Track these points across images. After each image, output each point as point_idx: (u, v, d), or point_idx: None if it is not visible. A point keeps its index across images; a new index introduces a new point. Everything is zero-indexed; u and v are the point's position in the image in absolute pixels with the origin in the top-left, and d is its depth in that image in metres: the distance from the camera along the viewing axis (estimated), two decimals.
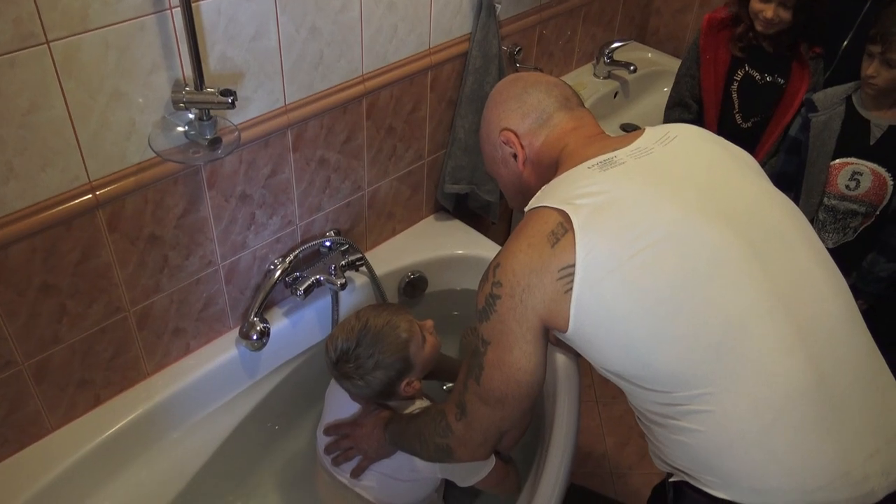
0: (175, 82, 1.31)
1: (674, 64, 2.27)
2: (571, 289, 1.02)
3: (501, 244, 2.08)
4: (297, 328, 1.79)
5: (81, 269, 1.36)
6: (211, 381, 1.66)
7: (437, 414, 1.28)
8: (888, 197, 1.80)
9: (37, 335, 1.36)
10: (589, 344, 1.07)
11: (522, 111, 1.23)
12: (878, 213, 1.82)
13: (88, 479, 1.51)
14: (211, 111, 1.31)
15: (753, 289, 1.02)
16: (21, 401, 1.41)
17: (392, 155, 1.86)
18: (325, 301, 1.82)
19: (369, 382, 1.45)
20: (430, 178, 2.03)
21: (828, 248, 1.15)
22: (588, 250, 1.01)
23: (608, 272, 1.01)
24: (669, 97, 2.20)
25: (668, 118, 2.19)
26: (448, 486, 1.66)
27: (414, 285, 1.99)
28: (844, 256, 1.60)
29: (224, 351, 1.68)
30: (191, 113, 1.33)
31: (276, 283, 1.69)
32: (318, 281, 1.73)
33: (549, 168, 1.20)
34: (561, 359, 1.63)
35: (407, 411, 1.51)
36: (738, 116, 2.08)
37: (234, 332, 1.72)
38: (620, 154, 1.11)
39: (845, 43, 1.92)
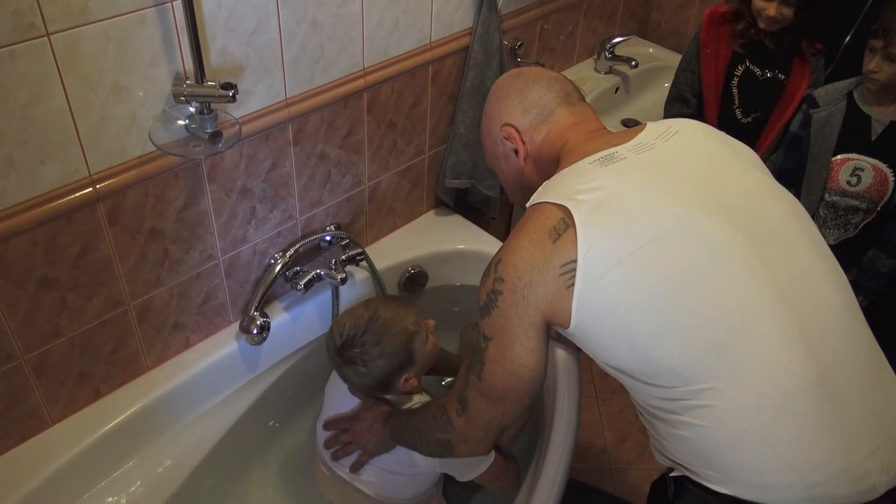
0: (176, 75, 1.30)
1: (675, 59, 2.27)
2: (573, 284, 1.02)
3: (502, 239, 2.08)
4: (297, 323, 1.79)
5: (81, 262, 1.36)
6: (211, 376, 1.66)
7: (438, 409, 1.28)
8: (889, 192, 1.79)
9: (37, 329, 1.36)
10: (591, 339, 1.07)
11: (524, 106, 1.23)
12: (879, 208, 1.82)
13: (88, 473, 1.51)
14: (212, 105, 1.31)
15: (755, 284, 1.02)
16: (21, 394, 1.41)
17: (393, 149, 1.86)
18: (325, 296, 1.82)
19: (371, 370, 1.45)
20: (431, 172, 2.03)
21: (829, 245, 1.15)
22: (590, 246, 1.01)
23: (610, 268, 1.01)
24: (669, 92, 2.20)
25: (668, 113, 2.19)
26: (447, 480, 1.66)
27: (414, 280, 1.99)
28: (845, 252, 1.60)
29: (224, 345, 1.68)
30: (191, 106, 1.32)
31: (276, 277, 1.69)
32: (318, 275, 1.73)
33: (550, 163, 1.20)
34: (561, 354, 1.63)
35: (405, 406, 1.51)
36: (737, 112, 2.08)
37: (235, 327, 1.72)
38: (622, 150, 1.11)
39: (847, 39, 1.92)
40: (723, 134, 1.21)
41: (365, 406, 1.55)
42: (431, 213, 2.12)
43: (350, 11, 1.53)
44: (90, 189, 1.29)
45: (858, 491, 1.01)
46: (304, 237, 1.75)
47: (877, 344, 1.10)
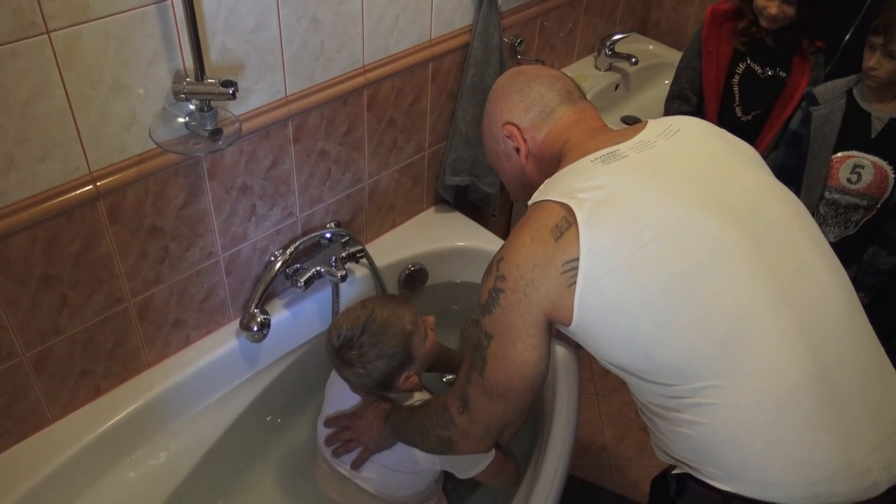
0: (176, 73, 1.30)
1: (675, 56, 2.26)
2: (575, 283, 1.02)
3: (502, 236, 2.09)
4: (297, 320, 1.79)
5: (82, 259, 1.36)
6: (211, 373, 1.66)
7: (440, 406, 1.28)
8: (889, 190, 1.79)
9: (37, 326, 1.36)
10: (592, 337, 1.07)
11: (525, 105, 1.23)
12: (879, 206, 1.82)
13: (89, 470, 1.52)
14: (212, 102, 1.31)
15: (756, 282, 1.02)
16: (22, 392, 1.41)
17: (393, 147, 1.85)
18: (325, 293, 1.82)
19: (370, 371, 1.45)
20: (431, 169, 2.03)
21: (829, 242, 1.15)
22: (592, 244, 1.01)
23: (612, 266, 1.01)
24: (670, 89, 2.20)
25: (668, 110, 2.19)
26: (448, 477, 1.66)
27: (414, 277, 1.99)
28: (846, 250, 1.60)
29: (224, 342, 1.68)
30: (191, 104, 1.32)
31: (276, 274, 1.69)
32: (318, 273, 1.73)
33: (551, 161, 1.20)
34: (561, 351, 1.63)
35: (406, 404, 1.52)
36: (738, 109, 2.08)
37: (235, 324, 1.72)
38: (623, 147, 1.11)
39: (847, 37, 1.92)
40: (724, 132, 1.21)
41: (366, 403, 1.55)
42: (431, 210, 2.12)
43: (350, 9, 1.53)
44: (90, 187, 1.29)
45: (860, 488, 1.01)
46: (304, 234, 1.76)
47: (878, 341, 1.10)
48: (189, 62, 1.29)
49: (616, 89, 2.56)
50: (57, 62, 1.15)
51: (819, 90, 1.84)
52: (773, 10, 1.86)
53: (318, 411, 1.66)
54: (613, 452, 2.28)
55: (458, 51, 1.85)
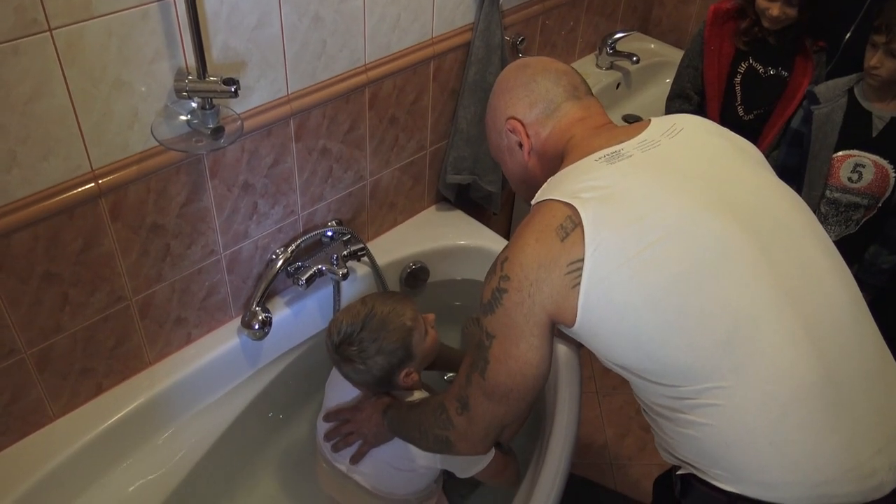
0: (178, 71, 1.30)
1: (676, 55, 2.26)
2: (579, 284, 1.02)
3: (503, 235, 2.09)
4: (298, 318, 1.79)
5: (84, 257, 1.36)
6: (212, 371, 1.66)
7: (438, 406, 1.27)
8: (890, 189, 1.79)
9: (39, 324, 1.36)
10: (596, 338, 1.06)
11: (530, 100, 1.22)
12: (880, 205, 1.82)
13: (90, 468, 1.52)
14: (214, 100, 1.31)
15: (761, 282, 1.01)
16: (23, 389, 1.41)
17: (394, 145, 1.85)
18: (326, 291, 1.82)
19: (370, 367, 1.45)
20: (432, 168, 2.03)
21: None
22: (597, 245, 1.00)
23: (616, 267, 1.00)
24: (671, 88, 2.19)
25: (669, 109, 2.19)
26: (448, 476, 1.66)
27: (415, 275, 1.99)
28: (847, 248, 1.59)
29: (226, 340, 1.68)
30: (193, 102, 1.32)
31: (277, 272, 1.69)
32: (319, 271, 1.73)
33: (554, 158, 1.20)
34: (562, 350, 1.63)
35: (406, 401, 1.52)
36: (740, 109, 2.08)
37: (236, 322, 1.72)
38: (627, 147, 1.11)
39: (848, 35, 1.92)
40: (727, 131, 1.20)
41: (365, 396, 1.55)
42: (433, 208, 2.12)
43: (352, 7, 1.53)
44: (92, 184, 1.29)
45: (865, 490, 1.01)
46: (305, 232, 1.76)
47: (883, 341, 1.10)
48: (191, 60, 1.29)
49: (617, 88, 2.56)
50: (59, 60, 1.15)
51: (820, 89, 1.84)
52: (774, 11, 1.86)
53: (319, 410, 1.66)
54: (614, 451, 2.28)
55: (460, 49, 1.85)
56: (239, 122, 1.37)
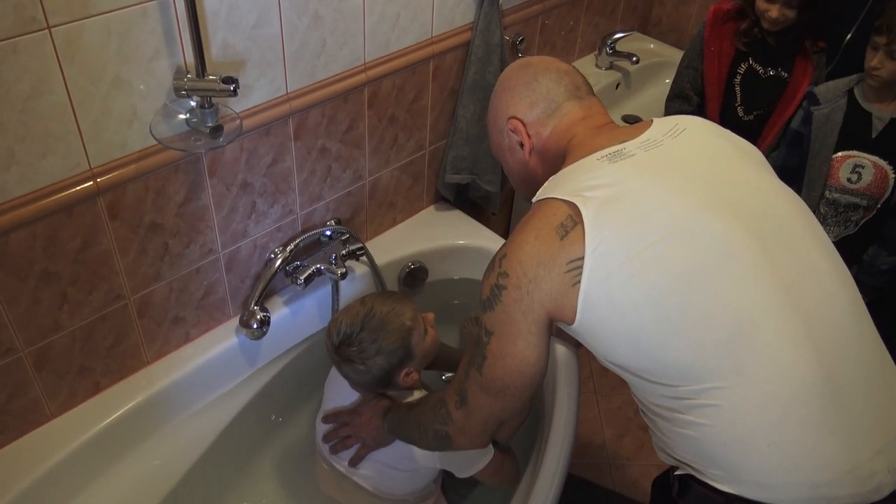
0: (177, 69, 1.30)
1: (676, 55, 2.26)
2: (579, 282, 1.01)
3: (502, 235, 2.09)
4: (297, 317, 1.79)
5: (82, 256, 1.36)
6: (211, 370, 1.66)
7: (437, 402, 1.28)
8: (890, 190, 1.80)
9: (37, 322, 1.36)
10: (595, 337, 1.06)
11: (531, 99, 1.22)
12: (879, 206, 1.82)
13: (88, 467, 1.51)
14: (212, 99, 1.30)
15: (761, 283, 1.01)
16: (21, 388, 1.41)
17: (393, 144, 1.85)
18: (325, 290, 1.82)
19: (370, 368, 1.45)
20: (432, 167, 2.03)
21: None
22: (597, 244, 1.00)
23: (617, 266, 1.00)
24: (671, 89, 2.19)
25: (669, 109, 2.19)
26: (447, 476, 1.66)
27: (414, 275, 1.99)
28: (846, 249, 1.59)
29: (224, 339, 1.68)
30: (192, 100, 1.32)
31: (276, 272, 1.69)
32: (318, 270, 1.73)
33: (555, 158, 1.20)
34: (560, 350, 1.63)
35: (405, 402, 1.52)
36: (739, 109, 2.08)
37: (234, 321, 1.72)
38: (629, 146, 1.11)
39: (848, 36, 1.92)
40: (728, 132, 1.20)
41: (365, 400, 1.55)
42: (432, 208, 2.12)
43: (351, 6, 1.52)
44: (91, 183, 1.29)
45: (864, 491, 1.01)
46: (304, 232, 1.75)
47: (882, 342, 1.10)
48: (190, 58, 1.29)
49: (617, 88, 2.56)
50: (58, 58, 1.14)
51: (820, 90, 1.84)
52: (774, 13, 1.86)
53: (318, 409, 1.66)
54: (612, 451, 2.28)
55: (460, 48, 1.85)
56: (238, 121, 1.37)
